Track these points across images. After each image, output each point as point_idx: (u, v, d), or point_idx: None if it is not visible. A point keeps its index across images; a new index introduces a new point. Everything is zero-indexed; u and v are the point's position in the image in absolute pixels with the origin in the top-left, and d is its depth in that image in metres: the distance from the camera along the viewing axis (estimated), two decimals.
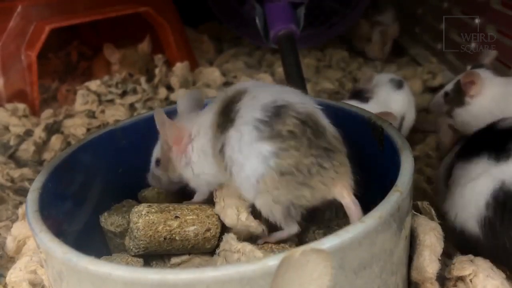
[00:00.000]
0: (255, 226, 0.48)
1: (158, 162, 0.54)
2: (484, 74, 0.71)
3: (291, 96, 0.46)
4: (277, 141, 0.43)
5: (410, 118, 0.79)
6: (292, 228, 0.47)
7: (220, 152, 0.46)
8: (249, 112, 0.45)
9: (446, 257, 0.49)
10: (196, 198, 0.53)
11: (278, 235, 0.48)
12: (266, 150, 0.43)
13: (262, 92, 0.46)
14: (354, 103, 0.72)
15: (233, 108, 0.46)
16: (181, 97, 0.56)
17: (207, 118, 0.49)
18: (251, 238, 0.50)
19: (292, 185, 0.43)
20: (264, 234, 0.49)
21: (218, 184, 0.51)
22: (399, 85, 0.78)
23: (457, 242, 0.50)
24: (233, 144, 0.45)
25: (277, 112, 0.44)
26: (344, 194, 0.44)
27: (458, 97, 0.73)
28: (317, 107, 0.47)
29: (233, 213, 0.48)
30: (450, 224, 0.50)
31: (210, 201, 0.52)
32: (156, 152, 0.55)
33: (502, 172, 0.47)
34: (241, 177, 0.45)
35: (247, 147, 0.44)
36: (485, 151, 0.50)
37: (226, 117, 0.46)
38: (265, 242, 0.48)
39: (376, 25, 1.24)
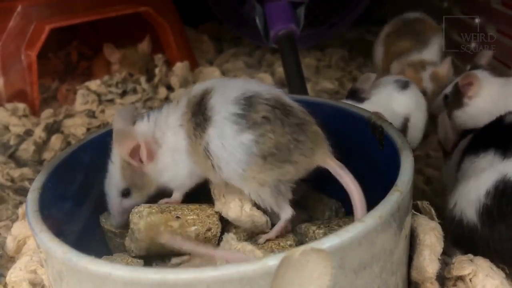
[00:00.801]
0: (259, 216, 0.49)
1: (126, 192, 0.52)
2: (482, 75, 0.71)
3: (255, 86, 0.49)
4: (254, 129, 0.46)
5: (417, 121, 0.77)
6: (286, 212, 0.48)
7: (205, 151, 0.47)
8: (224, 108, 0.47)
9: (446, 256, 0.49)
10: (174, 197, 0.53)
11: (276, 227, 0.49)
12: (247, 139, 0.46)
13: (229, 87, 0.49)
14: (350, 102, 0.72)
15: (206, 106, 0.48)
16: (116, 114, 0.53)
17: (172, 119, 0.50)
18: (252, 238, 0.50)
19: (275, 164, 0.46)
20: (268, 226, 0.50)
21: (198, 179, 0.52)
22: (404, 86, 0.76)
23: (454, 234, 0.50)
24: (216, 142, 0.47)
25: (248, 102, 0.47)
26: (326, 160, 0.47)
27: (456, 99, 0.73)
28: (280, 91, 0.50)
29: (236, 206, 0.49)
30: (448, 214, 0.51)
31: (208, 200, 0.53)
32: (116, 185, 0.52)
33: (506, 168, 0.48)
34: (228, 171, 0.47)
35: (229, 141, 0.46)
36: (492, 147, 0.50)
37: (200, 116, 0.48)
38: (267, 241, 0.48)
39: (419, 67, 0.89)
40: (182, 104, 0.50)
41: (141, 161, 0.51)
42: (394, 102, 0.75)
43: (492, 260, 0.46)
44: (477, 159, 0.51)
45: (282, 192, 0.48)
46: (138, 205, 0.50)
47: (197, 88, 0.50)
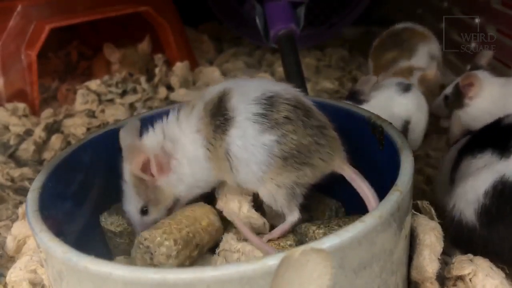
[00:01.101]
0: (256, 218, 0.49)
1: (145, 210, 0.50)
2: (482, 75, 0.71)
3: (273, 85, 0.49)
4: (276, 129, 0.45)
5: (418, 124, 0.76)
6: (294, 215, 0.49)
7: (226, 153, 0.47)
8: (245, 108, 0.46)
9: (446, 256, 0.49)
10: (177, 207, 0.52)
11: (281, 228, 0.49)
12: (268, 140, 0.45)
13: (247, 88, 0.48)
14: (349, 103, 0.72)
15: (226, 108, 0.47)
16: (122, 132, 0.52)
17: (187, 126, 0.49)
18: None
19: (295, 166, 0.46)
20: (265, 228, 0.50)
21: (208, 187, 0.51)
22: (405, 89, 0.76)
23: (454, 235, 0.50)
24: (237, 142, 0.46)
25: (270, 102, 0.46)
26: (343, 166, 0.48)
27: (457, 99, 0.73)
28: (297, 90, 0.49)
29: (235, 206, 0.50)
30: (447, 215, 0.51)
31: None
32: (133, 204, 0.50)
33: (503, 167, 0.48)
34: (246, 173, 0.47)
35: (250, 142, 0.46)
36: (489, 147, 0.50)
37: (221, 118, 0.47)
38: (269, 240, 0.48)
39: (406, 73, 0.90)
40: (198, 109, 0.49)
41: (152, 175, 0.49)
42: (395, 105, 0.75)
43: (491, 260, 0.46)
44: (474, 160, 0.51)
45: (297, 195, 0.48)
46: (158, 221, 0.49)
47: (212, 91, 0.49)
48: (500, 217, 0.46)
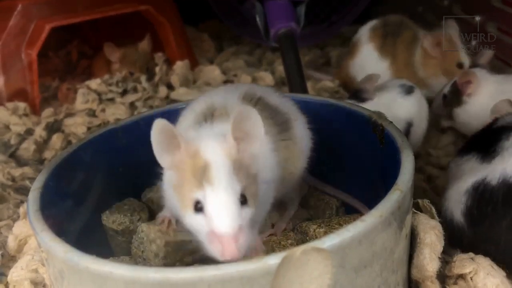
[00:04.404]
0: None
1: (244, 198, 0.38)
2: (480, 73, 0.72)
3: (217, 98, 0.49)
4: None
5: (420, 126, 0.76)
6: (295, 205, 0.53)
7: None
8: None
9: (447, 255, 0.49)
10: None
11: (287, 215, 0.52)
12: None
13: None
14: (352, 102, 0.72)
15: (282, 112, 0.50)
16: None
17: None
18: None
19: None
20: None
21: None
22: (408, 91, 0.75)
23: (449, 235, 0.50)
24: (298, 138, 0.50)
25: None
26: None
27: (456, 97, 0.74)
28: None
29: None
30: (442, 214, 0.51)
31: None
32: (231, 189, 0.37)
33: (485, 170, 0.48)
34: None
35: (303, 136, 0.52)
36: (474, 151, 0.52)
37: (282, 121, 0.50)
38: (270, 235, 0.50)
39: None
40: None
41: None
42: (397, 107, 0.74)
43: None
44: (462, 162, 0.52)
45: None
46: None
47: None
48: (482, 219, 0.47)
